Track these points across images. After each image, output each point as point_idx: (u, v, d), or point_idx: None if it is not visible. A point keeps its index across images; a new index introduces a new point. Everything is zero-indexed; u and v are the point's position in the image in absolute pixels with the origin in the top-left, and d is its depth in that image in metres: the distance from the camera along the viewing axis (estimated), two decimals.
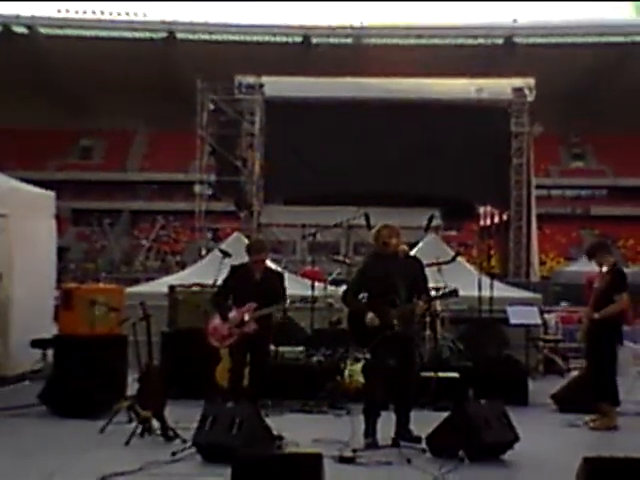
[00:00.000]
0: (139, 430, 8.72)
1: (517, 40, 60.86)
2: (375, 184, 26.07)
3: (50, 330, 12.60)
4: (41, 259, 13.67)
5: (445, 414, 8.46)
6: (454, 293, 9.30)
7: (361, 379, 10.59)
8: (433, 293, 9.75)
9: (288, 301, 10.31)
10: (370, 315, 8.53)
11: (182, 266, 37.12)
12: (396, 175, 26.37)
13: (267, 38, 61.25)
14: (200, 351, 10.57)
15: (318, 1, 62.98)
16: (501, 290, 14.81)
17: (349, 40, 61.24)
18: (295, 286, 13.46)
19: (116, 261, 55.88)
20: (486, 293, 13.10)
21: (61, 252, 24.16)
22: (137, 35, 62.15)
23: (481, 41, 60.48)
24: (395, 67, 40.69)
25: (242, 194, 28.27)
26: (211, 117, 29.04)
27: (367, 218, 13.63)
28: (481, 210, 29.70)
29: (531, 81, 28.46)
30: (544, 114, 31.84)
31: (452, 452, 7.80)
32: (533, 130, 28.84)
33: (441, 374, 11.07)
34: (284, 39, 61.45)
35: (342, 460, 7.83)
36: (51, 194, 14.47)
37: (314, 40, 61.44)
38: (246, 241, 14.11)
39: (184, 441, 8.29)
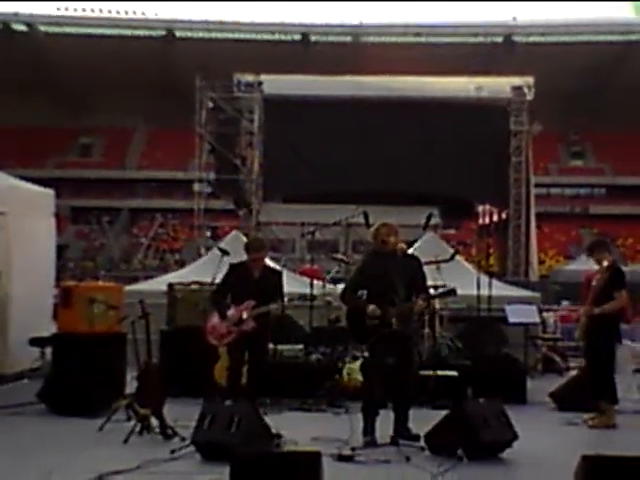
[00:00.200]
0: (138, 428, 8.72)
1: (516, 38, 60.88)
2: (374, 182, 26.10)
3: (49, 328, 12.59)
4: (40, 257, 13.67)
5: (444, 412, 8.46)
6: (452, 292, 9.30)
7: (360, 377, 10.58)
8: (432, 291, 9.75)
9: (286, 299, 10.30)
10: (371, 307, 8.52)
11: (181, 264, 37.19)
12: (395, 173, 26.41)
13: (266, 36, 61.25)
14: (199, 349, 10.57)
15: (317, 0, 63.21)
16: (500, 289, 14.81)
17: (348, 38, 61.24)
18: (294, 284, 13.47)
19: (115, 259, 55.89)
20: (485, 292, 13.10)
21: (60, 250, 24.15)
22: (136, 33, 62.11)
23: (480, 39, 60.48)
24: (394, 65, 40.72)
25: (241, 192, 28.30)
26: (210, 115, 29.07)
27: (366, 216, 13.62)
28: (480, 208, 29.76)
29: (530, 80, 28.48)
30: (543, 112, 31.84)
31: (451, 450, 7.80)
32: (532, 129, 28.87)
33: (440, 372, 11.08)
34: (283, 37, 61.44)
35: (341, 458, 7.83)
36: (50, 192, 14.47)
37: (313, 38, 61.46)
38: (245, 239, 14.10)
39: (183, 439, 8.29)
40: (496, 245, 29.93)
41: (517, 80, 28.81)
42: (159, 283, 15.16)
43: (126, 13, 62.26)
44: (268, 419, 8.57)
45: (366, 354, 9.44)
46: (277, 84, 28.35)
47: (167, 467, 7.51)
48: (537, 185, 33.16)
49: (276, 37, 61.28)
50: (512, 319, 13.80)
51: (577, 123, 62.01)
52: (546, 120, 33.21)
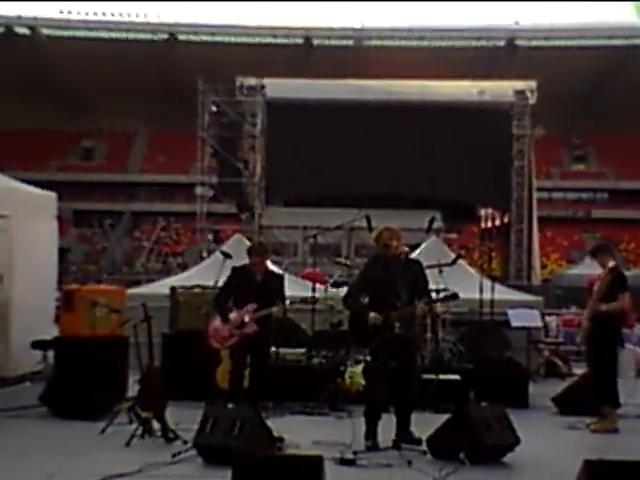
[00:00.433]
0: (140, 431, 8.71)
1: (519, 42, 60.90)
2: (376, 186, 26.13)
3: (51, 331, 12.60)
4: (42, 260, 13.67)
5: (446, 416, 8.46)
6: (454, 297, 9.30)
7: (362, 381, 10.59)
8: (434, 295, 9.74)
9: (288, 302, 10.29)
10: (373, 314, 8.52)
11: (183, 267, 37.20)
12: (397, 177, 26.44)
13: (268, 40, 61.26)
14: (201, 352, 10.55)
15: (320, 2, 63.19)
16: (502, 293, 14.81)
17: (350, 42, 61.27)
18: (296, 288, 13.47)
19: (117, 262, 55.92)
20: (487, 296, 13.08)
21: (62, 253, 24.20)
22: (139, 36, 62.20)
23: (483, 43, 60.49)
24: (396, 69, 40.75)
25: (243, 196, 28.32)
26: (212, 118, 29.11)
27: (368, 220, 13.61)
28: (482, 212, 29.74)
29: (533, 83, 28.52)
30: (546, 116, 31.86)
31: (453, 454, 7.79)
32: (535, 132, 28.89)
33: (442, 376, 11.04)
34: (285, 41, 61.44)
35: (343, 462, 7.82)
36: (52, 195, 14.48)
37: (315, 42, 61.47)
38: (247, 243, 14.11)
39: (185, 442, 8.28)
40: (498, 249, 29.93)
41: (520, 84, 28.85)
42: (161, 286, 15.17)
43: (129, 16, 62.31)
44: (270, 423, 8.56)
45: (368, 358, 9.44)
46: (279, 88, 28.40)
47: (169, 471, 7.50)
48: (539, 189, 33.20)
49: (279, 41, 61.29)
50: (514, 323, 13.80)
51: (579, 127, 62.00)
52: (548, 124, 33.20)
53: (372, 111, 27.05)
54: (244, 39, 61.46)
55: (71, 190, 52.87)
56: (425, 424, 8.66)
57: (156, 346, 9.74)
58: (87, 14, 62.08)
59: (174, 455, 7.89)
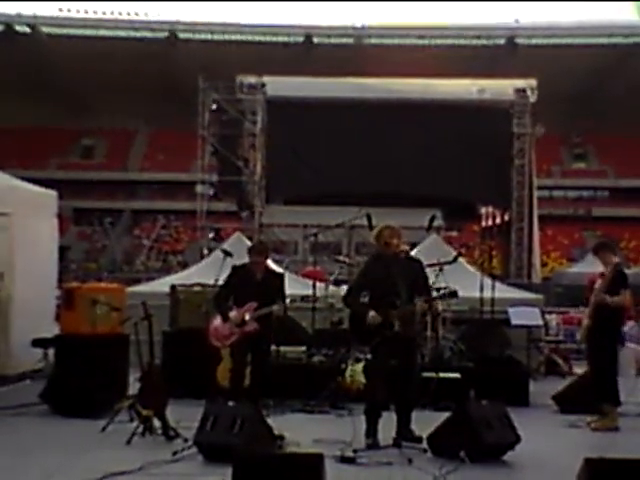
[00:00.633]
0: (140, 429, 8.72)
1: (519, 41, 60.84)
2: (377, 184, 26.10)
3: (51, 329, 12.62)
4: (43, 258, 13.68)
5: (446, 414, 8.47)
6: (454, 294, 9.30)
7: (362, 379, 10.60)
8: (434, 293, 9.74)
9: (288, 301, 10.29)
10: (372, 313, 8.53)
11: (183, 266, 37.16)
12: (397, 175, 26.41)
13: (269, 38, 61.23)
14: (201, 351, 10.55)
15: (320, 1, 63.16)
16: (502, 291, 14.81)
17: (351, 40, 61.23)
18: (297, 286, 13.47)
19: (117, 261, 55.91)
20: (488, 294, 13.09)
21: (62, 251, 24.17)
22: (139, 35, 62.13)
23: (483, 42, 60.45)
24: (396, 67, 40.70)
25: (244, 194, 28.31)
26: (213, 117, 29.08)
27: (369, 218, 13.62)
28: (483, 211, 29.69)
29: (533, 82, 28.49)
30: (546, 115, 31.82)
31: (453, 452, 7.80)
32: (535, 131, 28.85)
33: (442, 374, 11.04)
34: (286, 39, 61.41)
35: (343, 460, 7.83)
36: (53, 193, 14.49)
37: (315, 40, 61.44)
38: (247, 241, 14.14)
39: (185, 440, 8.29)
40: (499, 247, 29.91)
41: (520, 82, 28.82)
42: (161, 285, 15.17)
43: (128, 15, 62.26)
44: (271, 421, 8.57)
45: (369, 356, 9.44)
46: (280, 86, 28.37)
47: (169, 468, 7.51)
48: (540, 187, 33.19)
49: (279, 39, 61.27)
50: (515, 321, 13.80)
51: (580, 125, 61.97)
52: (549, 122, 33.14)
53: (372, 109, 27.02)
54: (244, 37, 61.43)
55: (71, 188, 52.81)
56: (425, 422, 8.67)
57: (156, 344, 9.73)
58: (87, 12, 62.06)
59: (175, 453, 7.90)
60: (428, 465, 7.68)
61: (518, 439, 8.18)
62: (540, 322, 14.50)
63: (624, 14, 62.69)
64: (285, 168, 26.96)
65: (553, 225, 53.60)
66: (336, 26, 61.41)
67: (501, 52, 59.00)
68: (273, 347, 11.27)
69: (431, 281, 9.46)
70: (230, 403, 8.25)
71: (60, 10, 62.14)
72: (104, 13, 62.06)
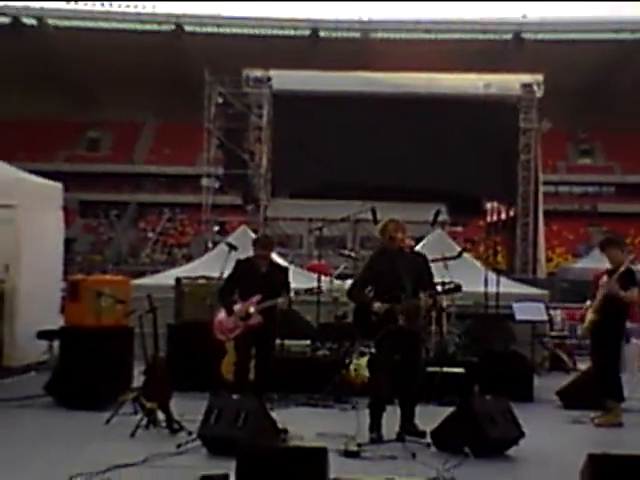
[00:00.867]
0: (144, 422, 8.73)
1: (526, 36, 60.72)
2: (382, 178, 26.11)
3: (56, 321, 12.62)
4: (48, 250, 13.70)
5: (450, 409, 8.48)
6: (457, 289, 9.30)
7: (366, 373, 10.59)
8: (439, 288, 9.74)
9: (292, 294, 10.27)
10: (377, 304, 8.53)
11: (188, 259, 37.20)
12: (403, 169, 26.42)
13: (275, 31, 61.17)
14: (206, 344, 10.56)
15: None
16: (507, 286, 14.78)
17: (357, 34, 61.16)
18: (301, 280, 13.46)
19: (123, 253, 55.95)
20: (492, 289, 13.08)
21: (68, 243, 24.18)
22: (145, 27, 62.11)
23: (490, 36, 60.34)
24: (403, 62, 40.66)
25: (249, 187, 28.33)
26: (219, 110, 29.08)
27: (374, 212, 13.62)
28: (488, 206, 29.72)
29: (539, 77, 28.45)
30: (552, 110, 31.77)
31: (457, 447, 7.81)
32: (541, 126, 28.82)
33: (447, 369, 11.05)
34: (292, 32, 61.35)
35: (347, 454, 7.83)
36: (58, 185, 14.50)
37: (322, 34, 61.37)
38: (253, 235, 14.13)
39: (189, 433, 8.30)
40: (504, 243, 29.93)
41: (526, 77, 28.78)
42: (166, 277, 15.19)
43: (135, 7, 62.27)
44: (275, 414, 8.58)
45: (373, 350, 9.44)
46: (286, 79, 28.36)
47: (173, 461, 7.53)
48: (545, 183, 33.12)
49: (285, 32, 61.20)
50: (519, 317, 13.78)
51: (586, 121, 61.86)
52: (555, 118, 33.12)
53: (378, 103, 27.01)
54: (251, 31, 61.37)
55: (77, 181, 52.97)
56: (429, 417, 8.68)
57: (161, 337, 9.73)
58: (94, 5, 62.05)
59: (179, 446, 7.92)
60: (432, 460, 7.67)
61: (522, 434, 8.18)
62: (545, 317, 14.48)
63: (631, 9, 62.60)
64: (291, 162, 26.96)
65: (558, 221, 53.58)
66: (343, 20, 61.33)
67: (508, 47, 58.90)
68: (277, 341, 11.29)
69: (436, 276, 9.43)
70: (234, 396, 8.26)
71: (67, 2, 62.15)
72: (111, 5, 62.07)
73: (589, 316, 10.11)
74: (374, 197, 19.48)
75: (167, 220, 60.61)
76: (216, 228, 30.76)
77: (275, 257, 12.12)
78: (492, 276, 13.37)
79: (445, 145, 26.80)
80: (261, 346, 9.80)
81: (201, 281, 12.70)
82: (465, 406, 8.26)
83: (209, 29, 62.08)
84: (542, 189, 29.51)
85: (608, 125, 60.64)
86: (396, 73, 30.31)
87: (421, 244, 14.71)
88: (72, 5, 62.14)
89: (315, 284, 12.39)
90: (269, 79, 28.28)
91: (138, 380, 10.01)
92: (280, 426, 8.39)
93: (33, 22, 61.85)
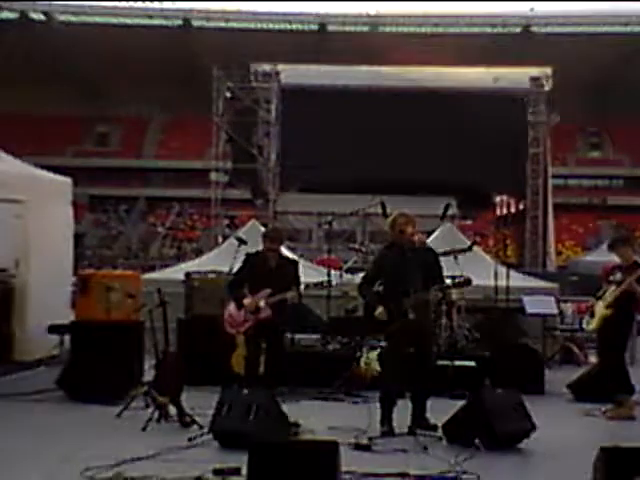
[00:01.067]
0: (156, 416, 8.75)
1: (535, 29, 60.51)
2: (391, 172, 26.11)
3: (67, 316, 12.65)
4: (58, 245, 13.73)
5: (461, 403, 8.47)
6: (467, 282, 9.28)
7: (377, 367, 10.58)
8: (448, 281, 9.73)
9: (302, 287, 10.25)
10: (379, 310, 8.55)
11: (198, 253, 37.24)
12: (412, 163, 26.40)
13: (283, 26, 61.06)
14: (216, 338, 10.59)
15: None
16: (517, 280, 14.78)
17: (365, 28, 61.02)
18: (311, 274, 13.44)
19: (132, 248, 56.01)
20: (502, 282, 13.07)
21: (78, 238, 24.25)
22: (153, 22, 62.05)
23: (498, 30, 60.15)
24: (411, 56, 40.61)
25: (258, 182, 28.36)
26: (227, 104, 29.10)
27: (383, 206, 13.59)
28: (497, 199, 29.67)
29: (548, 70, 28.42)
30: (561, 103, 31.70)
31: (468, 440, 7.79)
32: (550, 120, 28.77)
33: (457, 363, 11.06)
34: (300, 27, 61.22)
35: (358, 447, 7.83)
36: (68, 180, 14.52)
37: (330, 28, 61.25)
38: (262, 229, 14.12)
39: (201, 427, 8.32)
40: (513, 236, 29.88)
41: (535, 71, 28.74)
42: (176, 272, 15.20)
43: (143, 2, 62.16)
44: (285, 408, 8.56)
45: (384, 344, 9.44)
46: (294, 74, 28.37)
47: (185, 455, 7.53)
48: (555, 176, 33.10)
49: (293, 27, 61.07)
50: (530, 310, 13.77)
51: (595, 114, 61.68)
52: (564, 111, 33.05)
53: (387, 97, 27.00)
54: (259, 25, 61.28)
55: (87, 175, 52.93)
56: (440, 410, 8.67)
57: (171, 331, 9.76)
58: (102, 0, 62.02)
59: (190, 439, 7.93)
60: (443, 453, 7.68)
61: (533, 427, 8.16)
62: (555, 311, 14.46)
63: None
64: (299, 156, 26.96)
65: (568, 214, 53.43)
66: (351, 14, 61.18)
67: (516, 40, 58.68)
68: (288, 335, 11.30)
69: (446, 269, 9.41)
70: (245, 390, 8.26)
71: None
72: (119, 0, 62.00)
73: (602, 311, 10.05)
74: (383, 191, 19.47)
75: (176, 215, 60.64)
76: (225, 222, 30.79)
77: (285, 251, 12.12)
78: (502, 270, 13.36)
79: (454, 139, 26.78)
80: (271, 340, 9.79)
81: (211, 275, 12.72)
82: (476, 399, 8.24)
83: (217, 24, 61.97)
84: (551, 182, 29.47)
85: (617, 118, 60.47)
86: (405, 67, 30.27)
87: (431, 238, 14.71)
88: (80, 0, 62.09)
89: (325, 278, 12.40)
90: (277, 73, 28.31)
91: (149, 374, 10.02)
92: (291, 420, 8.40)
93: (41, 17, 61.84)
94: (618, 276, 10.07)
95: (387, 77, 28.37)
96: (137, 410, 9.18)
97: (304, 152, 26.83)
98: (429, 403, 8.75)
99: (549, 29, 60.32)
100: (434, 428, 8.45)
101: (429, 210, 19.60)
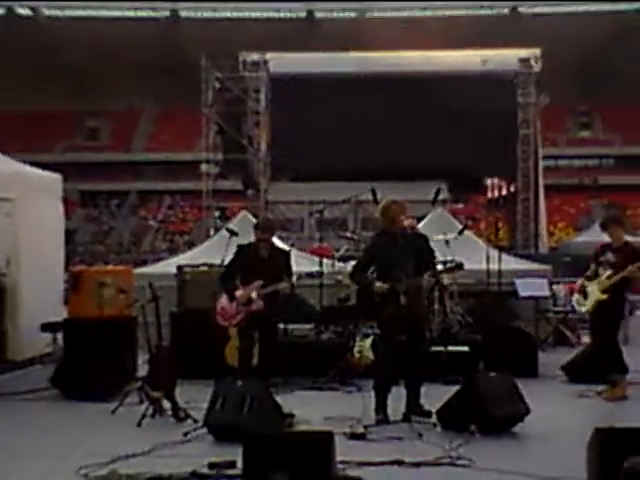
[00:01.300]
0: (150, 411, 8.74)
1: (523, 10, 60.40)
2: (381, 158, 26.06)
3: (60, 313, 12.63)
4: (49, 242, 13.68)
5: (455, 388, 8.47)
6: (459, 267, 9.28)
7: (371, 355, 10.57)
8: (440, 267, 9.72)
9: (295, 278, 10.24)
10: (379, 284, 8.52)
11: (190, 246, 37.20)
12: (402, 148, 26.37)
13: (271, 14, 60.89)
14: (209, 331, 10.57)
15: None
16: (510, 262, 14.78)
17: (353, 14, 60.85)
18: (304, 263, 13.45)
19: (124, 242, 55.96)
20: (494, 266, 13.07)
21: (69, 234, 24.20)
22: (140, 14, 61.80)
23: (486, 11, 60.05)
24: (400, 40, 40.53)
25: (249, 172, 28.30)
26: (216, 95, 29.01)
27: (374, 193, 13.59)
28: (488, 182, 29.68)
29: (537, 51, 28.35)
30: (551, 84, 31.66)
31: (463, 426, 7.79)
32: (539, 101, 28.74)
33: (451, 348, 11.07)
34: (288, 15, 61.07)
35: (353, 436, 7.84)
36: (58, 176, 14.47)
37: (318, 15, 61.12)
38: (254, 220, 14.09)
39: (195, 421, 8.32)
40: (505, 219, 29.88)
41: (524, 52, 28.66)
42: (168, 265, 15.16)
43: None
44: (280, 399, 8.59)
45: (377, 331, 9.43)
46: (283, 62, 28.30)
47: (180, 449, 7.54)
48: (545, 157, 33.05)
49: (281, 15, 60.92)
50: (523, 293, 13.77)
51: (585, 94, 61.67)
52: (554, 92, 33.03)
53: (376, 83, 26.95)
54: (246, 14, 61.07)
55: (77, 171, 52.85)
56: (434, 396, 8.69)
57: (164, 325, 9.75)
58: None
59: (185, 434, 7.93)
60: (438, 439, 7.70)
61: (528, 411, 8.18)
62: (548, 293, 14.47)
63: None
64: (290, 145, 26.90)
65: (559, 195, 53.44)
66: (338, 0, 60.97)
67: (504, 22, 58.56)
68: (281, 325, 11.29)
69: (437, 254, 9.41)
70: (239, 382, 8.26)
71: None
72: None
73: (598, 295, 10.01)
74: (374, 177, 19.46)
75: (168, 208, 60.57)
76: (217, 214, 30.74)
77: (277, 241, 12.10)
78: (494, 253, 13.35)
79: (444, 123, 26.72)
80: (264, 331, 9.79)
81: (203, 268, 12.70)
82: (470, 384, 8.25)
83: (205, 14, 61.73)
84: (542, 163, 29.46)
85: (607, 97, 60.45)
86: (393, 52, 30.19)
87: (422, 223, 14.68)
88: None
89: (317, 267, 12.39)
90: (266, 62, 28.24)
91: (143, 369, 10.02)
92: (285, 411, 8.41)
93: (28, 12, 61.56)
94: (609, 256, 10.08)
95: (375, 63, 28.30)
96: (132, 406, 9.18)
97: (294, 141, 26.78)
98: (423, 389, 8.77)
99: (537, 9, 60.18)
100: (428, 414, 8.47)
101: (420, 195, 19.55)
